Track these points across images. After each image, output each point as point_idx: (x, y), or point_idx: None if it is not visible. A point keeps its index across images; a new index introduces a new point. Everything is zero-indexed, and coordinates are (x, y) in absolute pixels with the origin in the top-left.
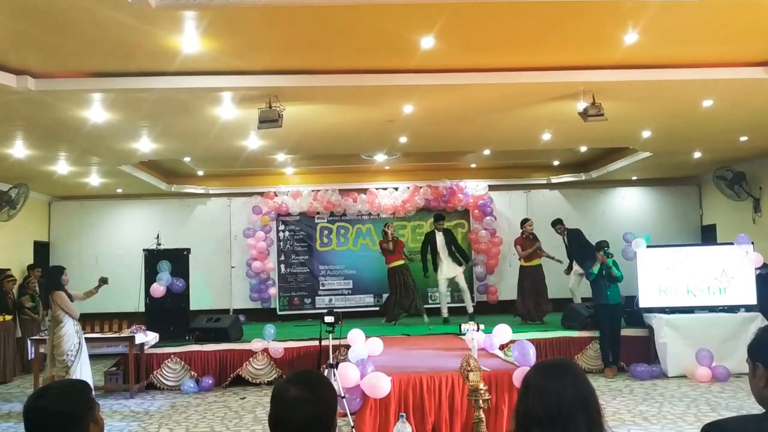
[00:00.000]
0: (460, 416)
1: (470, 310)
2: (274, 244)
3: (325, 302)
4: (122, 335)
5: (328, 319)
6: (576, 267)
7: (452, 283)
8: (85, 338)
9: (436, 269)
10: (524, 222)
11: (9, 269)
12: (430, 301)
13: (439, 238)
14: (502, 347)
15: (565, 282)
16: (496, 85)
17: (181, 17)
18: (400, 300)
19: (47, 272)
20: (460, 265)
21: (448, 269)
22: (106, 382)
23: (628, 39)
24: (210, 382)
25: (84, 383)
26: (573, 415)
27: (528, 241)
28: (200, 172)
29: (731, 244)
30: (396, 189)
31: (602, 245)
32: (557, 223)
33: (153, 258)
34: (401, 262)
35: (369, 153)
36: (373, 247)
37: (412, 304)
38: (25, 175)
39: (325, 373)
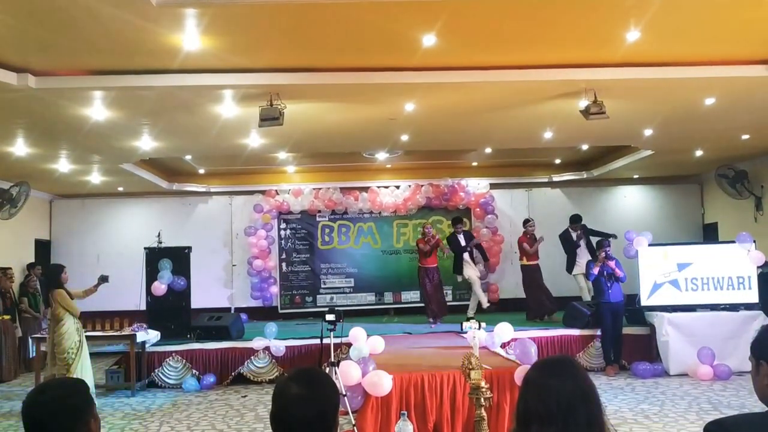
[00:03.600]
0: (462, 414)
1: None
2: (276, 242)
3: (326, 300)
4: (123, 333)
5: (330, 317)
6: (576, 268)
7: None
8: (86, 336)
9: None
10: (527, 222)
11: (10, 267)
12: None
13: (461, 239)
14: (503, 345)
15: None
16: (498, 83)
17: (181, 15)
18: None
19: (47, 271)
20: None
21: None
22: (108, 380)
23: (630, 37)
24: (211, 380)
25: (82, 381)
26: (572, 410)
27: (531, 240)
28: (201, 171)
29: (733, 242)
30: (397, 187)
31: (602, 244)
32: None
33: (154, 256)
34: (435, 264)
35: (370, 151)
36: (375, 246)
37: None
38: (26, 173)
39: (327, 372)
